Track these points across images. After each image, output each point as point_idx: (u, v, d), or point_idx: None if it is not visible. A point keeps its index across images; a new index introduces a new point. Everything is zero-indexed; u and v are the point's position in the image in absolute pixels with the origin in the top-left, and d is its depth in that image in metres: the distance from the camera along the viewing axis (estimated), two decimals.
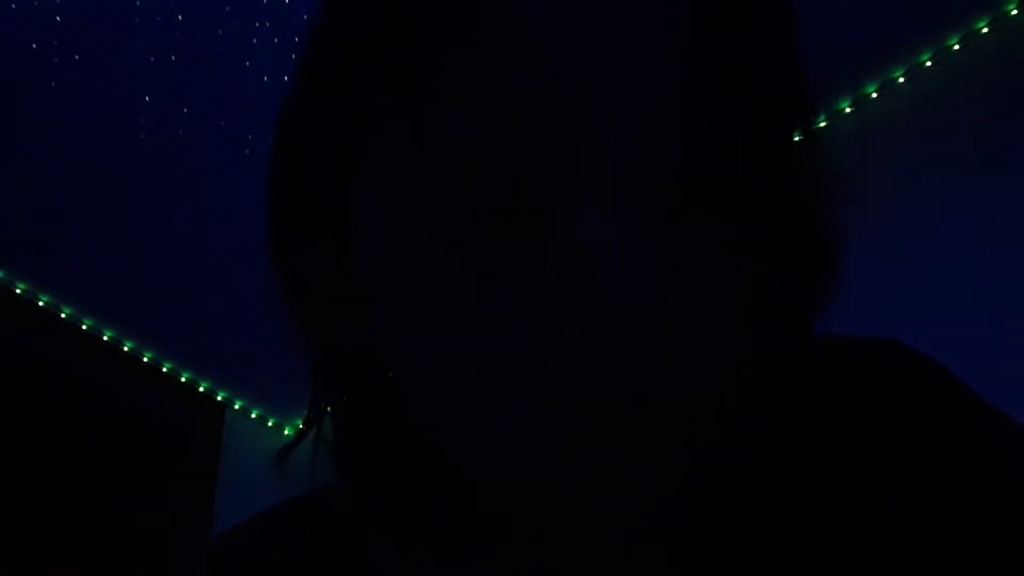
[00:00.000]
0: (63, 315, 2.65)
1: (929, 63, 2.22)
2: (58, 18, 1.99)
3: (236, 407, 3.01)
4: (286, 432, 3.08)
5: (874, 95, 2.28)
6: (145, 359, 2.81)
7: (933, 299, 1.99)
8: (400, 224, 0.38)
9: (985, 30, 2.16)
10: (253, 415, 3.04)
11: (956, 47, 2.18)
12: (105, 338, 2.73)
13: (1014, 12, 2.12)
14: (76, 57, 2.07)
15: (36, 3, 1.96)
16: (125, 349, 2.77)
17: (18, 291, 2.57)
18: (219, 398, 2.98)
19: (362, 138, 0.39)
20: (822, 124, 2.30)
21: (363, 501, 0.47)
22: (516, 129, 0.35)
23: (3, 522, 2.39)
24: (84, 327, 2.69)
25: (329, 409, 0.49)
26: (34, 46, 2.04)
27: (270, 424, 3.08)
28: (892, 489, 0.41)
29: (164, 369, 2.85)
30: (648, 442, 0.35)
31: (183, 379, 2.89)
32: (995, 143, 2.04)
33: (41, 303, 2.61)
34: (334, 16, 0.41)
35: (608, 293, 0.32)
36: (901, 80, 2.25)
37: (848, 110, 2.30)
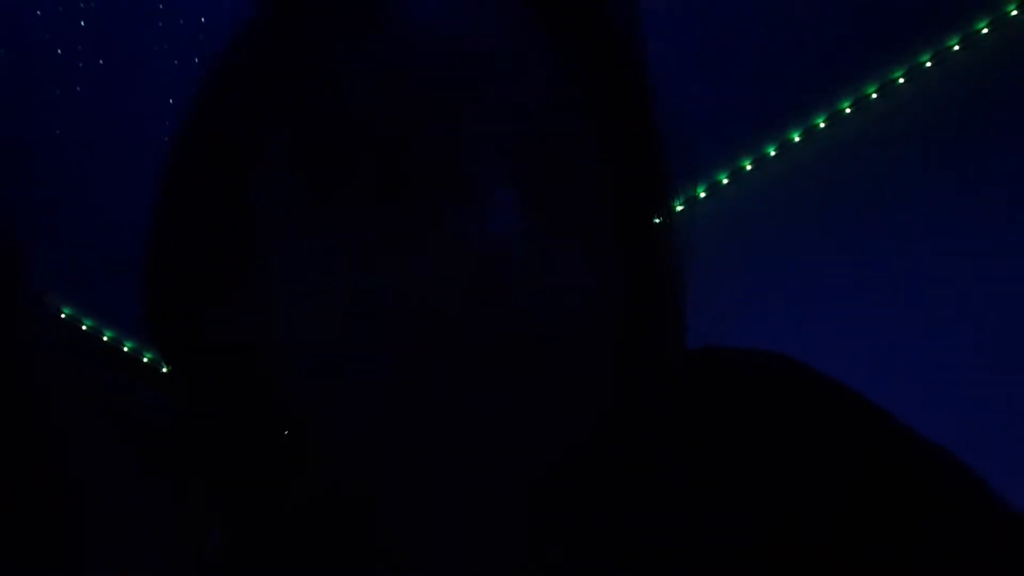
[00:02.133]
0: (63, 316, 2.65)
1: (929, 64, 2.22)
2: (82, 23, 1.99)
3: None
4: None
5: (874, 96, 2.27)
6: (145, 360, 2.81)
7: (933, 298, 1.99)
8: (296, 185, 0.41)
9: (985, 31, 2.16)
10: None
11: (956, 48, 2.19)
12: (105, 338, 2.73)
13: (1014, 13, 2.13)
14: (100, 62, 2.08)
15: (60, 8, 1.96)
16: (125, 349, 2.77)
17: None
18: None
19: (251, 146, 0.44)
20: (820, 124, 2.31)
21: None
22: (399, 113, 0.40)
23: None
24: (84, 327, 2.69)
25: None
26: (59, 51, 2.04)
27: None
28: (759, 489, 0.44)
29: (164, 370, 2.85)
30: (533, 394, 0.39)
31: None
32: (995, 143, 2.05)
33: (63, 316, 2.61)
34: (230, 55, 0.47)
35: (493, 257, 0.37)
36: (901, 81, 2.25)
37: (848, 111, 2.30)
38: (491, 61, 0.41)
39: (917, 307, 2.00)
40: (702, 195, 2.46)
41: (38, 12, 1.97)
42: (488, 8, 0.43)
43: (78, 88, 2.12)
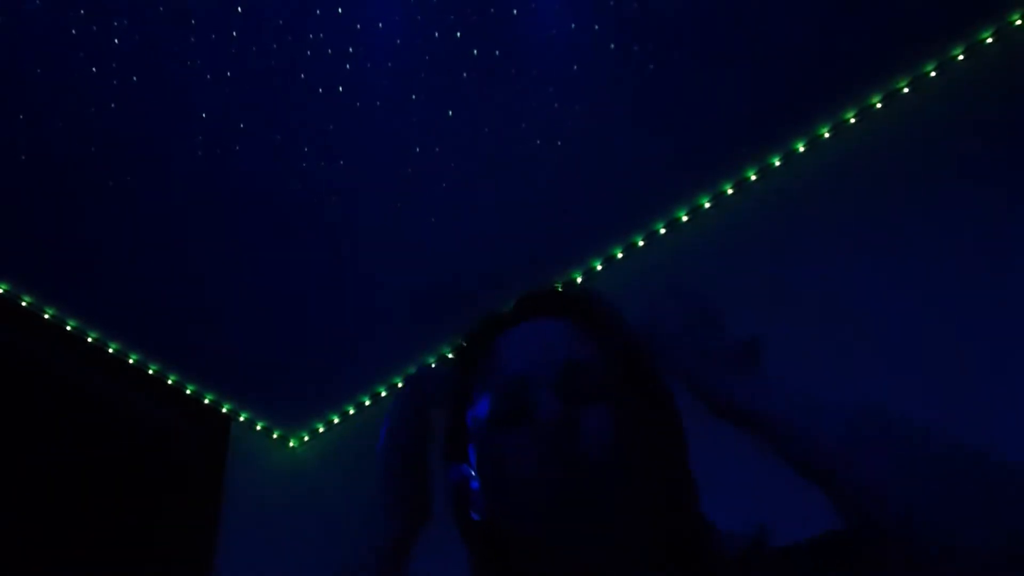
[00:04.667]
0: (68, 327, 2.66)
1: (933, 73, 2.22)
2: (116, 41, 2.00)
3: (241, 419, 3.01)
4: (291, 444, 3.08)
5: (879, 106, 2.28)
6: (151, 371, 2.81)
7: (933, 307, 1.98)
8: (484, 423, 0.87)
9: (989, 40, 2.16)
10: (258, 427, 3.04)
11: (960, 57, 2.19)
12: (111, 350, 2.74)
13: (1018, 23, 2.13)
14: (134, 79, 2.09)
15: (95, 28, 1.98)
16: (131, 361, 2.77)
17: (24, 304, 2.58)
18: (224, 410, 2.98)
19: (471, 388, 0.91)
20: (825, 134, 2.31)
21: None
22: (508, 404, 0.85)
23: (5, 534, 2.39)
24: (89, 339, 2.70)
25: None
26: (94, 69, 2.06)
27: (275, 436, 3.07)
28: None
29: (169, 381, 2.86)
30: (592, 511, 0.78)
31: (188, 391, 2.90)
32: (999, 152, 2.04)
33: (47, 316, 2.62)
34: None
35: (545, 429, 0.79)
36: (906, 91, 2.25)
37: (853, 120, 2.30)
38: (548, 342, 0.89)
39: (918, 315, 1.99)
40: (707, 206, 2.46)
41: (73, 32, 1.98)
42: (549, 324, 0.91)
43: (113, 105, 2.13)
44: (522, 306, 0.94)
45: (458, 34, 2.04)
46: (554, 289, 0.97)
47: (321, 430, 3.06)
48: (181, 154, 2.24)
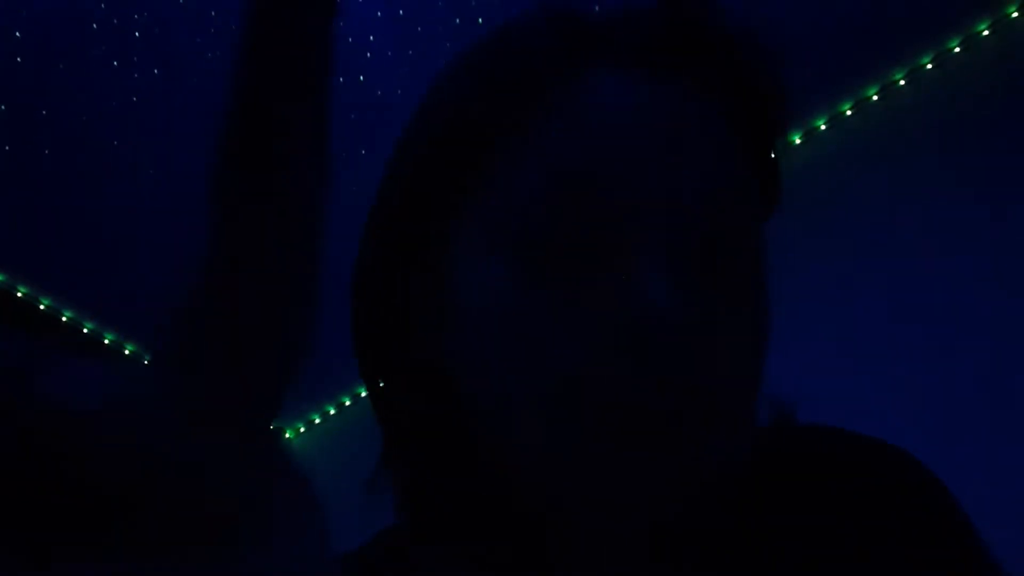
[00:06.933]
0: (64, 318, 2.63)
1: (930, 65, 2.24)
2: (137, 34, 2.00)
3: None
4: (287, 435, 3.07)
5: (875, 98, 2.30)
6: (146, 362, 2.79)
7: (929, 300, 2.01)
8: (490, 256, 0.44)
9: (986, 32, 2.18)
10: None
11: (957, 49, 2.21)
12: (106, 341, 2.71)
13: (1014, 15, 2.14)
14: (155, 71, 2.08)
15: (116, 21, 1.97)
16: (126, 352, 2.75)
17: (20, 294, 2.55)
18: None
19: (463, 175, 0.47)
20: (821, 126, 2.36)
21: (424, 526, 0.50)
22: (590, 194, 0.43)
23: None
24: (85, 331, 2.67)
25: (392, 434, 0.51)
26: (115, 63, 2.05)
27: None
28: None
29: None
30: (671, 456, 0.41)
31: None
32: (996, 144, 2.05)
33: (42, 306, 2.58)
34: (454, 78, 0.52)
35: (651, 326, 0.40)
36: (902, 83, 2.27)
37: (849, 112, 2.32)
38: (659, 137, 0.45)
39: (913, 309, 2.01)
40: None
41: (94, 26, 1.97)
42: (663, 92, 0.47)
43: (134, 98, 2.13)
44: (612, 37, 0.50)
45: (480, 20, 2.05)
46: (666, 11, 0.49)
47: (317, 421, 3.05)
48: (200, 147, 2.23)
